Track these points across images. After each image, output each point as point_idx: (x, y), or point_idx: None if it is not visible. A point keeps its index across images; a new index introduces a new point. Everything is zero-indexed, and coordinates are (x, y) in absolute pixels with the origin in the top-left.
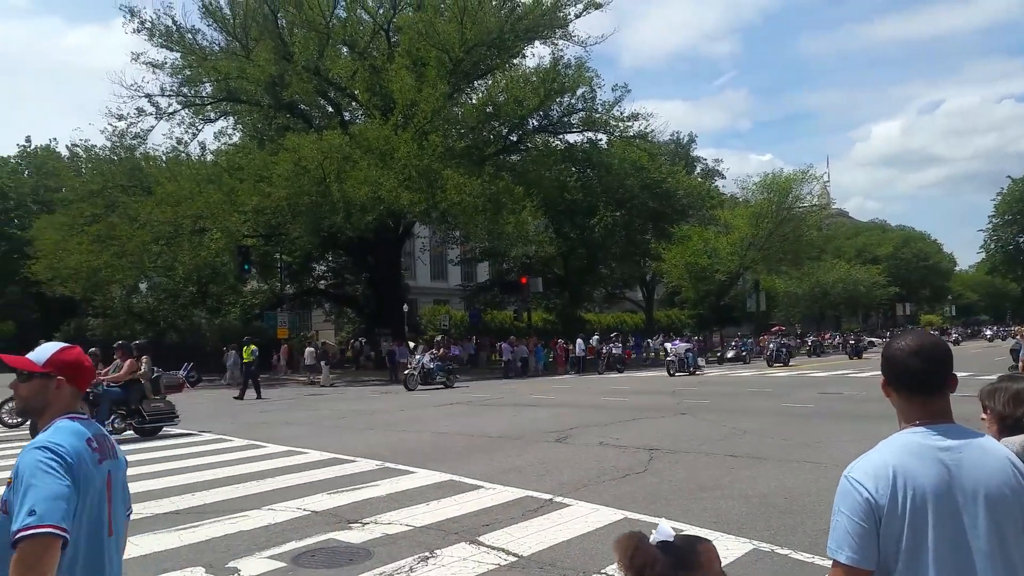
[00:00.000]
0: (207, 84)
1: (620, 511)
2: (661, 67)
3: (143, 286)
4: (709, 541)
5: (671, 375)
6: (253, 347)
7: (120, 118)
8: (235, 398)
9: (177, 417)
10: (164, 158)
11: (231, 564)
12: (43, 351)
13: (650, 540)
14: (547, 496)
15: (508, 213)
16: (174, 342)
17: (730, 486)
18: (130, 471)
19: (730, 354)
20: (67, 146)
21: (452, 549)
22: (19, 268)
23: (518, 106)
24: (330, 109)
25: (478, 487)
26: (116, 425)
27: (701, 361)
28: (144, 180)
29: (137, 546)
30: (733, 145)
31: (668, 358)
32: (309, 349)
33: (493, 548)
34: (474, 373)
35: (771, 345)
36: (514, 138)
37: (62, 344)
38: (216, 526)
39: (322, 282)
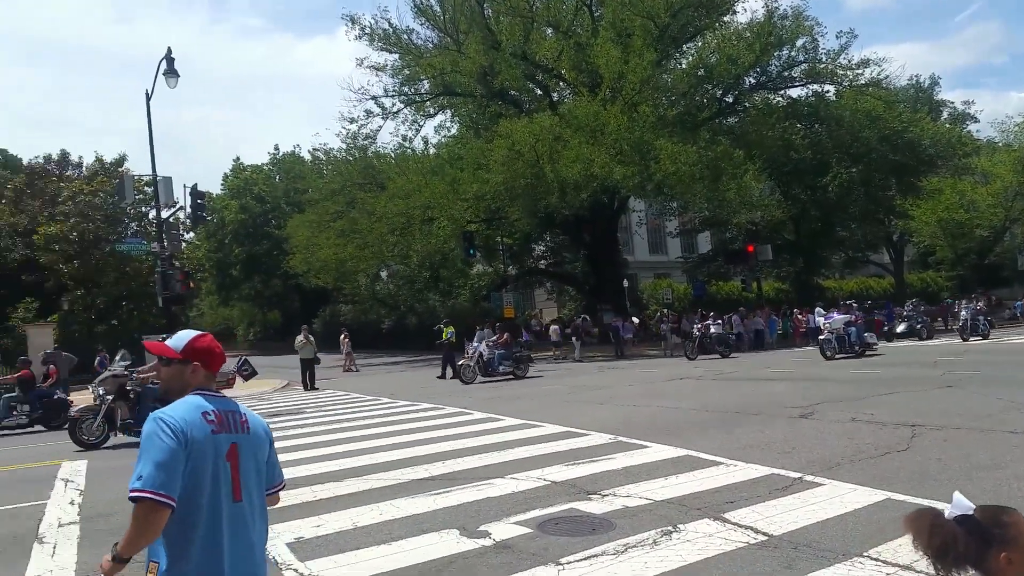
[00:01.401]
0: (424, 81)
1: (881, 491)
2: (890, 7)
3: (384, 274)
4: (1016, 511)
5: (827, 358)
6: (451, 328)
7: (351, 121)
8: (437, 377)
9: None
10: (393, 155)
11: (482, 527)
12: (180, 339)
13: (946, 515)
14: (795, 474)
15: (728, 179)
16: (413, 325)
17: (1013, 465)
18: (386, 440)
19: (901, 327)
20: (309, 151)
21: (695, 525)
22: (280, 263)
23: (732, 65)
24: (538, 92)
25: (717, 463)
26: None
27: (871, 336)
28: (377, 176)
29: (397, 508)
30: (986, 84)
31: (822, 336)
32: (554, 327)
33: (740, 526)
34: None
35: (963, 313)
36: (730, 99)
37: (196, 332)
38: (465, 492)
39: (542, 262)
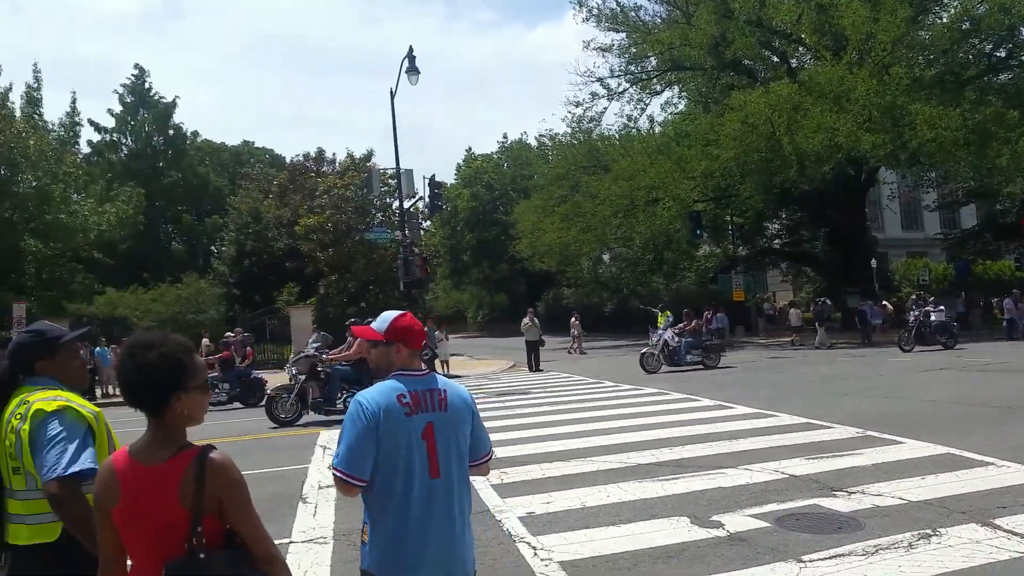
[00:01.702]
0: (651, 58)
1: None
2: None
3: (606, 257)
4: None
5: None
6: (668, 313)
7: (576, 104)
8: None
9: None
10: (617, 136)
11: (714, 518)
12: (383, 321)
13: None
14: None
15: (999, 144)
16: (636, 308)
17: None
18: (611, 423)
19: None
20: (535, 137)
21: (958, 529)
22: (507, 248)
23: (1004, 15)
24: (775, 59)
25: (985, 463)
26: (347, 404)
27: None
28: (601, 159)
29: (625, 491)
30: None
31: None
32: (794, 310)
33: (1015, 534)
34: (967, 336)
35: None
36: (1001, 54)
37: (397, 313)
38: (695, 480)
39: (776, 241)
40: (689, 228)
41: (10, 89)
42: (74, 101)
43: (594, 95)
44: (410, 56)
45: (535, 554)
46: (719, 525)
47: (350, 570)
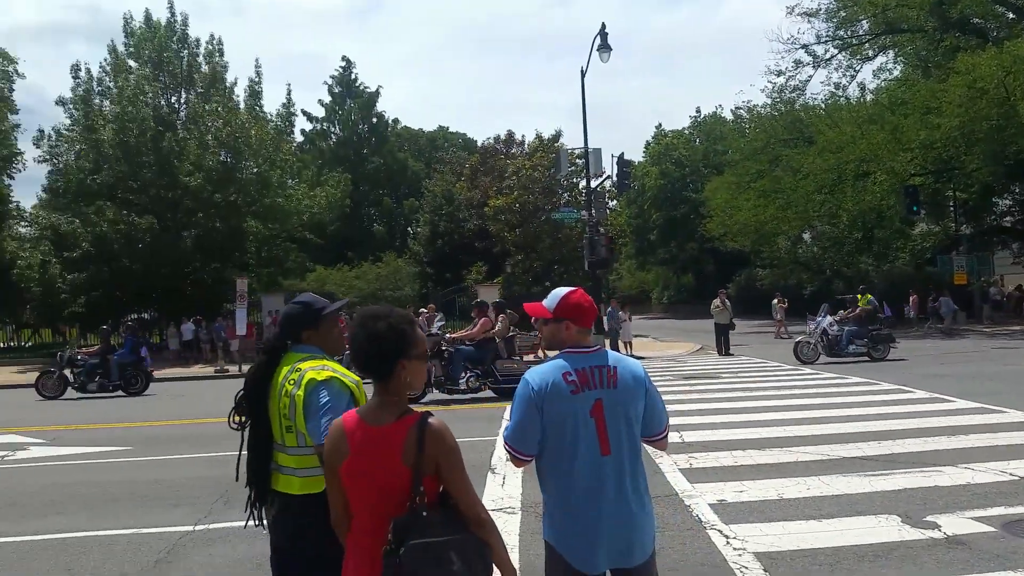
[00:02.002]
0: (863, 21)
1: None
2: None
3: (807, 236)
4: None
5: None
6: (869, 296)
7: (778, 74)
8: None
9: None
10: (823, 106)
11: (929, 518)
12: (553, 298)
13: None
14: None
15: None
16: (840, 290)
17: None
18: (811, 412)
19: None
20: (731, 110)
21: None
22: (695, 227)
23: None
24: (1010, 16)
25: None
26: (471, 384)
27: None
28: (804, 131)
29: (827, 485)
30: None
31: None
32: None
33: None
34: None
35: None
36: None
37: (567, 289)
38: (908, 477)
39: (1007, 219)
40: (904, 204)
41: (235, 84)
42: (289, 93)
43: (798, 63)
44: (602, 33)
45: (727, 543)
46: (935, 526)
47: (537, 541)
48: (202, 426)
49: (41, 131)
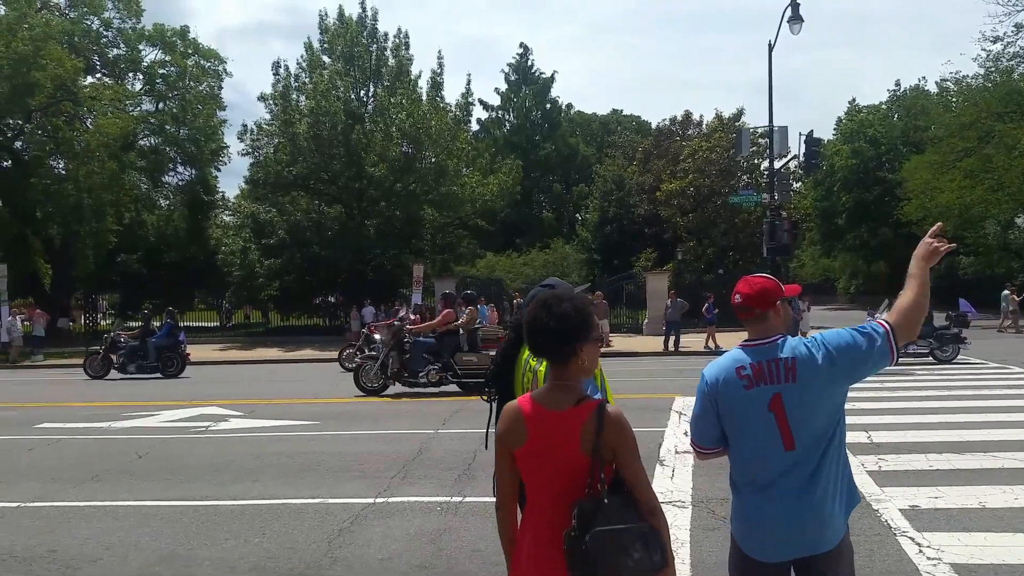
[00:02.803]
0: None
1: None
2: None
3: (1020, 220)
4: None
5: None
6: None
7: (995, 40)
8: None
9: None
10: None
11: None
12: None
13: None
14: None
15: None
16: None
17: None
18: (1019, 415)
19: None
20: (936, 82)
21: None
22: (890, 211)
23: None
24: None
25: None
26: (431, 377)
27: None
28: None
29: (1017, 499)
30: None
31: None
32: None
33: None
34: None
35: None
36: None
37: (755, 276)
38: None
39: None
40: None
41: (419, 76)
42: (468, 83)
43: (1019, 27)
44: (793, 3)
45: (920, 551)
46: None
47: (708, 537)
48: (379, 404)
49: (245, 126)
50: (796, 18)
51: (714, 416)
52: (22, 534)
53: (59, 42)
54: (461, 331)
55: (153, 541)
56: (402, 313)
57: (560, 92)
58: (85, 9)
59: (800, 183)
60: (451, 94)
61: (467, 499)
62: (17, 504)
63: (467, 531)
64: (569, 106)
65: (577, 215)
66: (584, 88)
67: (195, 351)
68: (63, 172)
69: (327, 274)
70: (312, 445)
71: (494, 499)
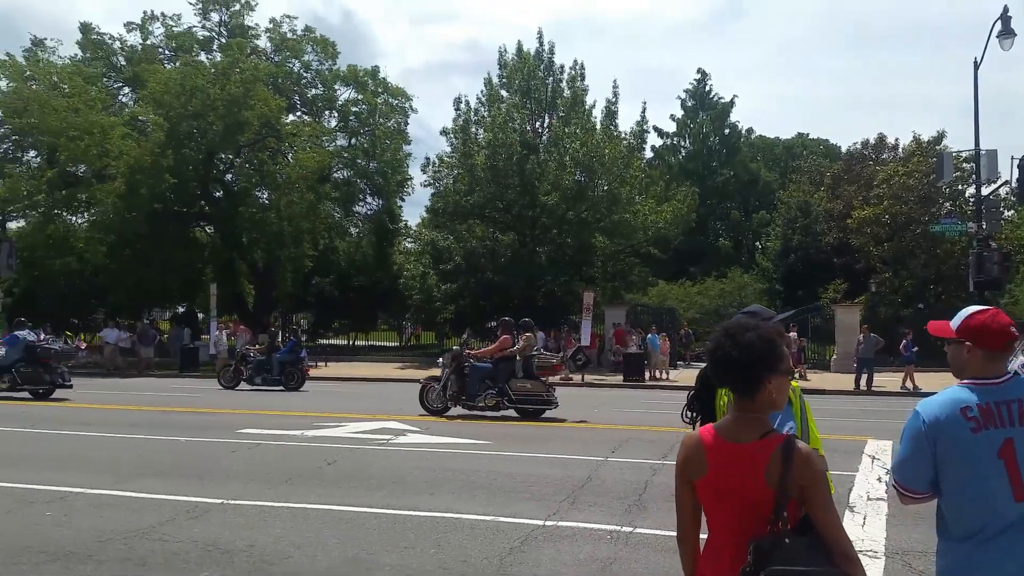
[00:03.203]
0: None
1: None
2: None
3: None
4: None
5: None
6: None
7: None
8: None
9: (550, 404)
10: None
11: None
12: (959, 316)
13: None
14: None
15: None
16: None
17: None
18: None
19: None
20: None
21: None
22: None
23: None
24: None
25: None
26: (488, 401)
27: None
28: None
29: None
30: None
31: None
32: None
33: None
34: None
35: None
36: None
37: (978, 308)
38: None
39: None
40: None
41: (594, 106)
42: (643, 111)
43: None
44: (1004, 17)
45: None
46: None
47: None
48: (550, 428)
49: (427, 159)
50: (1007, 32)
51: (930, 459)
52: (226, 528)
53: (265, 84)
54: (517, 357)
55: (339, 543)
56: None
57: (740, 116)
58: (288, 53)
59: (1012, 211)
60: (625, 122)
61: (637, 529)
62: (221, 501)
63: (637, 562)
64: (750, 130)
65: (757, 243)
66: (766, 112)
67: (375, 369)
68: (267, 202)
69: (500, 299)
70: (485, 464)
71: (665, 532)
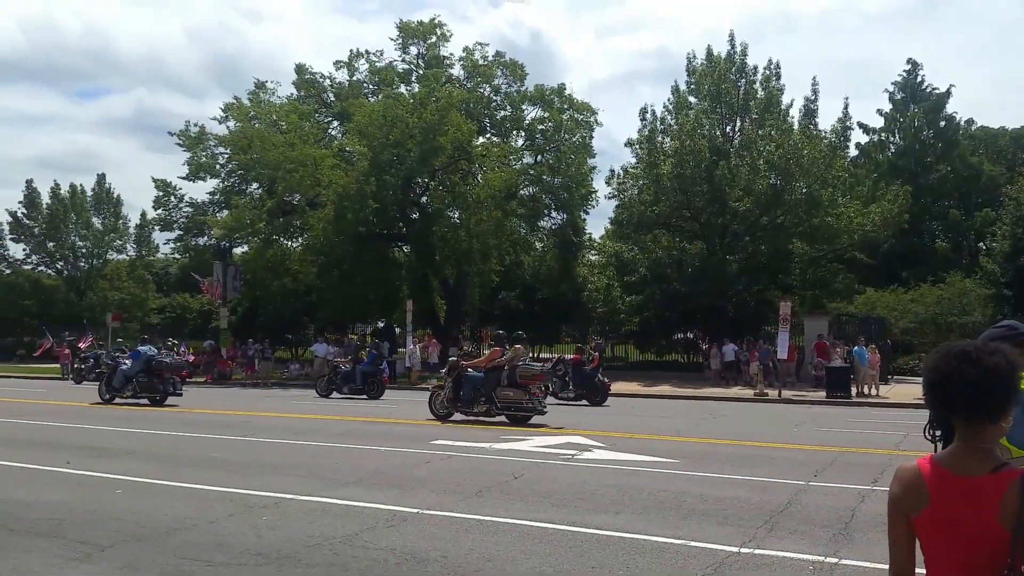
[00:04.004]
0: None
1: None
2: None
3: None
4: None
5: None
6: None
7: None
8: None
9: (534, 411)
10: None
11: None
12: None
13: None
14: None
15: None
16: None
17: None
18: None
19: None
20: None
21: None
22: None
23: None
24: None
25: None
26: (479, 408)
27: None
28: None
29: None
30: None
31: None
32: None
33: None
34: None
35: None
36: None
37: None
38: None
39: None
40: None
41: (791, 105)
42: (846, 107)
43: None
44: None
45: None
46: None
47: None
48: (744, 447)
49: (612, 171)
50: None
51: None
52: (421, 538)
53: (458, 110)
54: (506, 368)
55: (527, 559)
56: (467, 348)
57: (957, 107)
58: (479, 79)
59: None
60: (826, 120)
61: (843, 561)
62: (416, 510)
63: None
64: (969, 121)
65: (980, 244)
66: (988, 100)
67: None
68: (458, 221)
69: (687, 310)
70: (673, 483)
71: (875, 565)
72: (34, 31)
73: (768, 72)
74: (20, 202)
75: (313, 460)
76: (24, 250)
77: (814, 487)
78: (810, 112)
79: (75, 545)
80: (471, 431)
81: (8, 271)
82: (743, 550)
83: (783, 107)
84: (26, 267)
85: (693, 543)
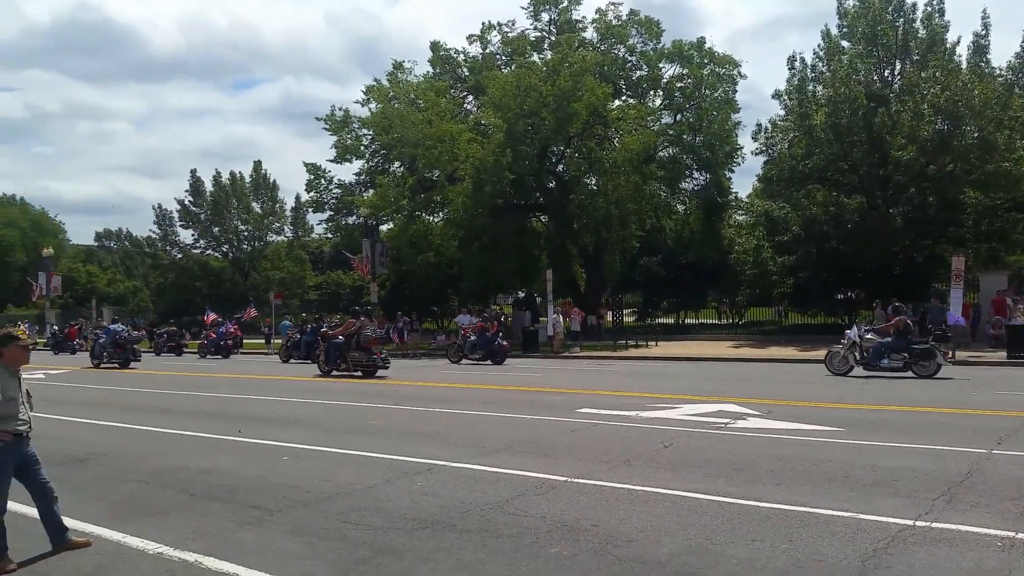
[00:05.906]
0: None
1: None
2: None
3: None
4: None
5: None
6: None
7: None
8: None
9: (375, 366)
10: None
11: None
12: None
13: None
14: None
15: None
16: None
17: None
18: None
19: None
20: None
21: None
22: None
23: None
24: None
25: None
26: (341, 367)
27: None
28: None
29: None
30: None
31: None
32: None
33: None
34: None
35: None
36: None
37: None
38: None
39: None
40: None
41: (957, 43)
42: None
43: None
44: None
45: None
46: None
47: None
48: (905, 413)
49: (759, 125)
50: None
51: None
52: (571, 506)
53: (592, 74)
54: (357, 335)
55: (681, 530)
56: (360, 320)
57: None
58: (613, 40)
59: None
60: (1000, 57)
61: None
62: (565, 479)
63: None
64: None
65: None
66: None
67: (706, 348)
68: (595, 188)
69: (846, 269)
70: (836, 453)
71: None
72: (189, 29)
73: (930, 9)
74: (186, 191)
75: (462, 428)
76: (192, 235)
77: (998, 456)
78: (980, 49)
79: (247, 510)
80: (616, 399)
81: (180, 256)
82: (919, 523)
83: (948, 45)
84: (195, 251)
85: (862, 516)
